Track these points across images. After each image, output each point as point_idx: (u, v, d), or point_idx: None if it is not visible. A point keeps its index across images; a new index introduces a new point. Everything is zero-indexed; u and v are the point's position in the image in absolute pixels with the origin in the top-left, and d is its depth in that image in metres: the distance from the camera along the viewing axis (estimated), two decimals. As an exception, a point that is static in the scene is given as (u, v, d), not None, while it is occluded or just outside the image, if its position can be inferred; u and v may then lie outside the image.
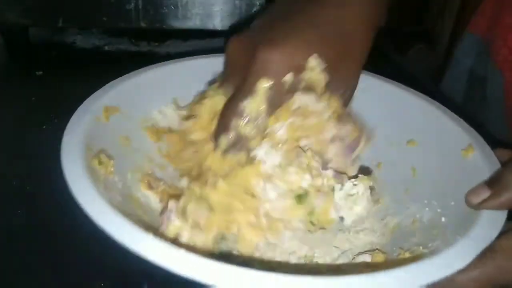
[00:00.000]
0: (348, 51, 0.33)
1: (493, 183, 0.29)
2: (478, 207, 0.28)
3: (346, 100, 0.34)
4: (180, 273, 0.22)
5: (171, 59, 0.42)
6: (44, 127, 0.50)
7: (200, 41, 0.75)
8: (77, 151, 0.29)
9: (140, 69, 0.40)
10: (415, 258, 0.26)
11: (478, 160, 0.33)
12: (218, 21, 0.63)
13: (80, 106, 0.34)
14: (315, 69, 0.31)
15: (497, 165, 0.31)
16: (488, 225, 0.26)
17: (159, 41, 0.74)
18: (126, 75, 0.39)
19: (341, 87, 0.33)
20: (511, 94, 0.54)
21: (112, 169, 0.33)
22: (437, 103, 0.39)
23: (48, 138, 0.48)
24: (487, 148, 0.33)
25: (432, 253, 0.24)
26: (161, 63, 0.41)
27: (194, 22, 0.63)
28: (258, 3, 0.62)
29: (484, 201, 0.28)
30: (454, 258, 0.24)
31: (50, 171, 0.43)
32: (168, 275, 0.33)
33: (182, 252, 0.23)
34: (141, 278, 0.33)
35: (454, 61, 0.65)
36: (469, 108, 0.60)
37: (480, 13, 0.61)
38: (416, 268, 0.23)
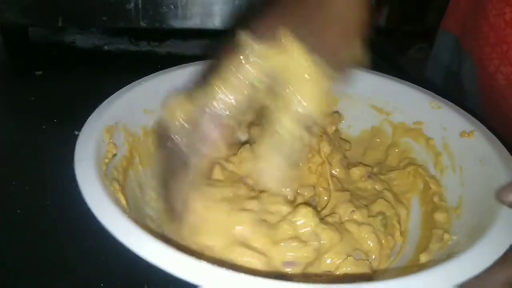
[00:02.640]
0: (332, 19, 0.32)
1: None
2: (510, 205, 0.28)
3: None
4: (172, 272, 0.22)
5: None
6: (44, 127, 0.50)
7: (200, 41, 0.75)
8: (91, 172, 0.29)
9: (135, 82, 0.40)
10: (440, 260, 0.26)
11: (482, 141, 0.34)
12: (218, 21, 0.63)
13: (83, 129, 0.33)
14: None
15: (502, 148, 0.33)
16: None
17: (159, 41, 0.74)
18: (121, 90, 0.38)
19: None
20: (485, 86, 0.54)
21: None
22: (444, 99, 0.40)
23: (48, 138, 0.48)
24: (491, 135, 0.35)
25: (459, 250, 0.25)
26: (151, 75, 0.41)
27: (194, 22, 0.63)
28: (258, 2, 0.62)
29: None
30: (484, 256, 0.24)
31: (49, 171, 0.43)
32: (167, 276, 0.33)
33: (173, 251, 0.23)
34: (141, 279, 0.33)
35: (432, 57, 0.66)
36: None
37: (451, 11, 0.62)
38: (447, 268, 0.23)
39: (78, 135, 0.32)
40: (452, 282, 0.22)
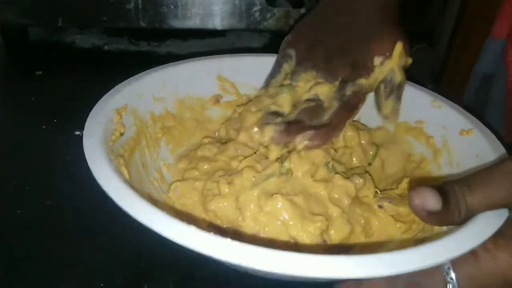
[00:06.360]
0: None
1: (446, 196, 0.25)
2: (424, 219, 0.26)
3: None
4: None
5: (170, 59, 0.43)
6: (44, 127, 0.50)
7: (200, 41, 0.75)
8: (99, 152, 0.30)
9: (146, 71, 0.41)
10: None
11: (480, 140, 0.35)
12: (218, 21, 0.63)
13: (93, 109, 0.34)
14: None
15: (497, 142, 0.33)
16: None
17: (159, 41, 0.74)
18: (132, 77, 0.39)
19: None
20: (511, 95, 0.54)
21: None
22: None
23: (48, 138, 0.48)
24: (489, 131, 0.35)
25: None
26: (161, 66, 0.42)
27: (194, 22, 0.63)
28: (258, 2, 0.62)
29: (432, 215, 0.25)
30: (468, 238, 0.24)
31: (49, 171, 0.43)
32: (167, 276, 0.33)
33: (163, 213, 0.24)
34: (141, 279, 0.33)
35: (475, 69, 0.66)
36: (473, 106, 0.61)
37: (501, 16, 0.61)
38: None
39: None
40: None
